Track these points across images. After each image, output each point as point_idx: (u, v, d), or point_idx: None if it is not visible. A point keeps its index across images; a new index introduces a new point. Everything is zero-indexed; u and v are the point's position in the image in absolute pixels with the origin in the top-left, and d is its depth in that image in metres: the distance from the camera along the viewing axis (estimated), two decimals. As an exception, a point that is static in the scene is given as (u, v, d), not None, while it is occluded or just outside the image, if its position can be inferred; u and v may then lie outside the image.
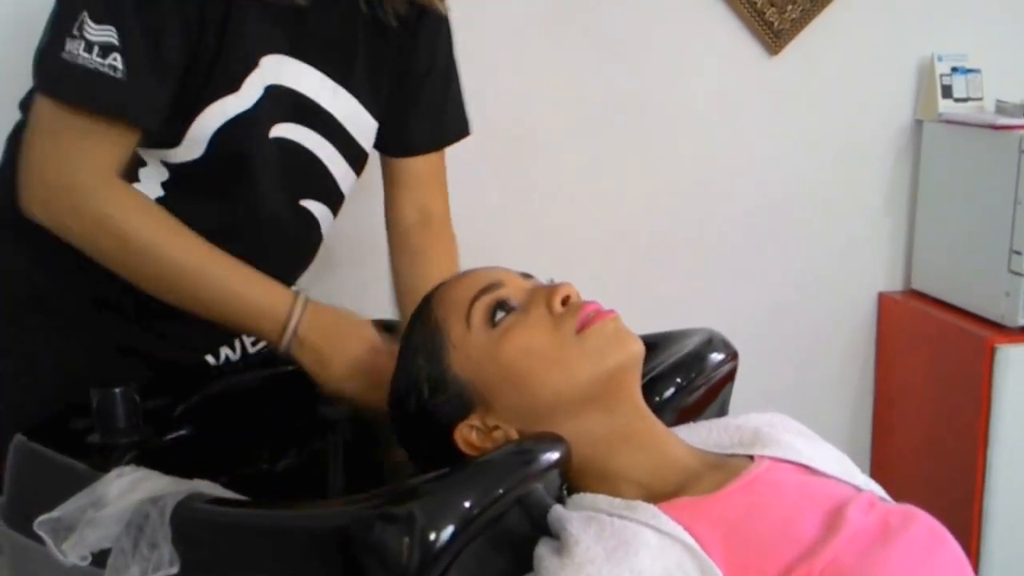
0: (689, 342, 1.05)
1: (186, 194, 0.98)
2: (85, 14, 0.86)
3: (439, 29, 1.11)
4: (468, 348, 0.87)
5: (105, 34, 0.85)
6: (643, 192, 1.76)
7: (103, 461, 0.86)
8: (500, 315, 0.87)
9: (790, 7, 1.73)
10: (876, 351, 1.91)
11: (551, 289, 0.88)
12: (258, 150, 0.99)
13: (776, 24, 1.74)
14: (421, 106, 1.12)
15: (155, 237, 0.93)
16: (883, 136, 1.83)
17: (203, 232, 0.95)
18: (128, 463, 0.85)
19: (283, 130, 1.00)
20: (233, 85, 0.95)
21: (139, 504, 0.79)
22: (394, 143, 1.13)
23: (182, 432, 0.98)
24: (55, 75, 0.87)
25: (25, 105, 1.06)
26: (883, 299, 1.89)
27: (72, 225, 0.91)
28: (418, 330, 0.92)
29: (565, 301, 0.87)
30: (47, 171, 0.90)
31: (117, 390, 0.93)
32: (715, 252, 1.82)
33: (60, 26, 0.87)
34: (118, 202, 0.92)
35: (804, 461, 0.90)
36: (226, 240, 0.97)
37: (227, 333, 1.09)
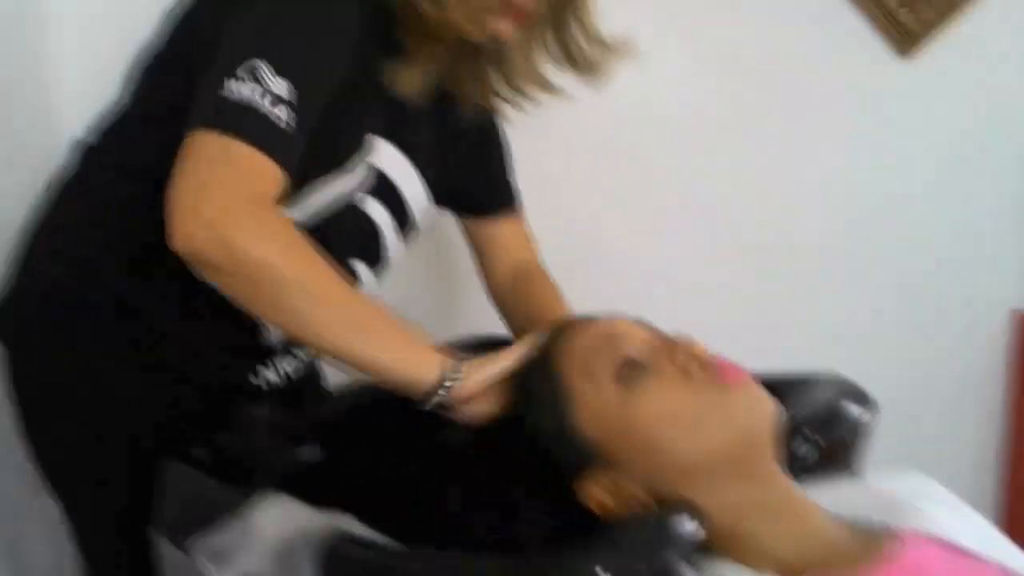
0: (823, 393, 0.99)
1: None
2: (263, 63, 0.89)
3: (498, 129, 1.24)
4: (596, 407, 0.85)
5: (280, 86, 0.89)
6: (765, 200, 1.68)
7: (249, 482, 0.90)
8: (628, 372, 0.85)
9: (923, 6, 1.61)
10: (1008, 375, 1.79)
11: (682, 347, 0.86)
12: (342, 221, 1.05)
13: (908, 24, 1.62)
14: (491, 175, 1.24)
15: (318, 274, 0.89)
16: (1020, 151, 1.70)
17: None
18: (271, 486, 0.89)
19: (363, 202, 1.07)
20: (344, 163, 1.01)
21: (288, 539, 0.82)
22: (477, 206, 1.25)
23: (315, 456, 0.99)
24: (225, 111, 0.88)
25: (86, 147, 1.09)
26: (1015, 316, 1.77)
27: (223, 255, 0.86)
28: (539, 382, 0.90)
29: (696, 359, 0.85)
30: (197, 202, 0.86)
31: (259, 409, 0.98)
32: (834, 263, 1.72)
33: (234, 69, 0.89)
34: (285, 228, 0.89)
35: (952, 538, 0.84)
36: None
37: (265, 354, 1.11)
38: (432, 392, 0.91)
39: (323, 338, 0.89)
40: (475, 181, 1.23)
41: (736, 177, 1.66)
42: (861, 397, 0.99)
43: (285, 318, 0.89)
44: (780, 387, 0.99)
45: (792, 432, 0.93)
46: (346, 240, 1.08)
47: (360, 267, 1.12)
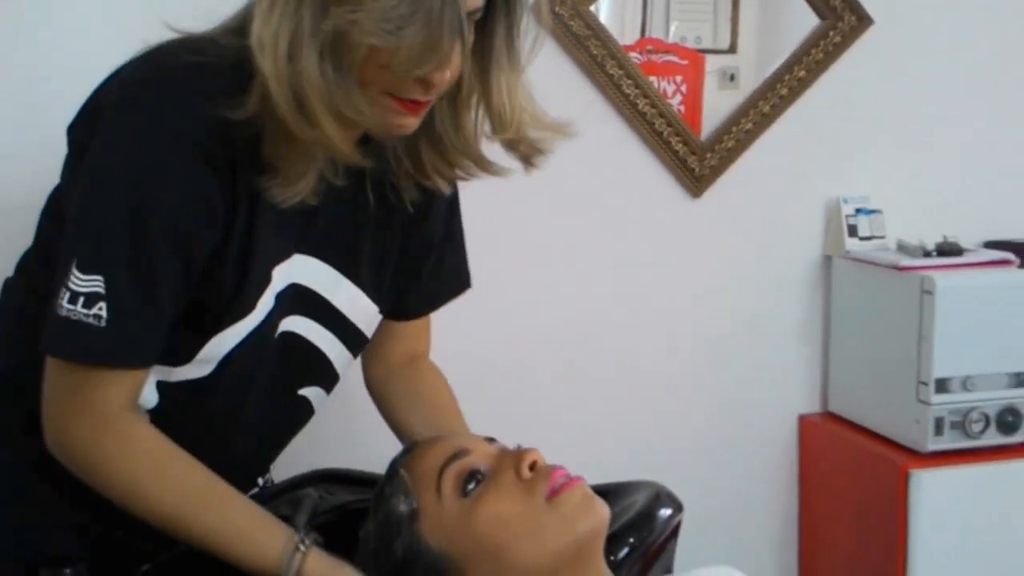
0: (638, 498, 1.11)
1: (179, 400, 0.98)
2: (73, 264, 0.87)
3: (449, 201, 1.12)
4: (440, 517, 0.91)
5: (92, 284, 0.87)
6: (573, 321, 1.85)
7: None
8: (470, 485, 0.91)
9: (709, 155, 1.87)
10: (799, 472, 2.01)
11: (518, 455, 0.92)
12: (265, 352, 1.00)
13: (697, 171, 1.87)
14: (424, 276, 1.12)
15: (145, 490, 0.93)
16: (797, 271, 1.97)
17: (194, 429, 0.96)
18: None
19: (288, 323, 1.01)
20: (249, 308, 0.96)
21: None
22: (393, 311, 1.13)
23: None
24: (55, 331, 0.89)
25: (20, 267, 1.06)
26: (803, 421, 2.00)
27: (74, 469, 0.93)
28: (389, 498, 0.95)
29: (533, 466, 0.91)
30: (54, 420, 0.93)
31: (67, 571, 0.95)
32: (646, 380, 1.91)
33: (58, 279, 0.89)
34: (112, 451, 0.92)
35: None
36: (218, 432, 0.99)
37: None
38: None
39: (175, 527, 0.94)
40: (415, 284, 1.12)
41: (562, 301, 1.84)
42: (671, 500, 1.11)
43: (139, 514, 0.94)
44: (604, 494, 1.11)
45: (614, 536, 1.04)
46: (289, 373, 1.04)
47: (311, 392, 1.08)
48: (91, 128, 0.91)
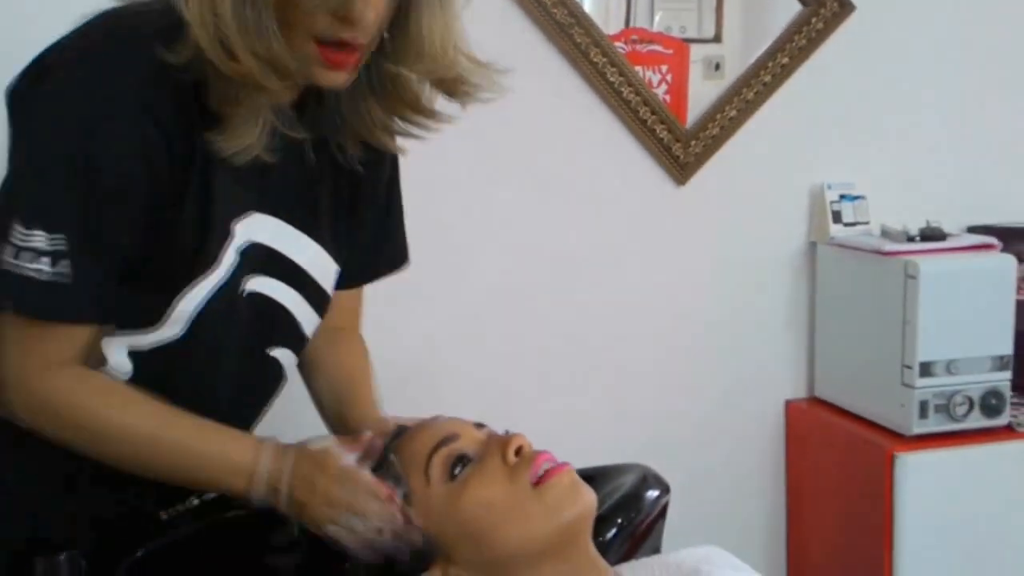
0: (626, 480, 1.12)
1: (153, 366, 0.99)
2: (16, 220, 0.88)
3: (390, 172, 1.13)
4: (428, 501, 0.91)
5: (36, 240, 0.88)
6: (562, 309, 1.86)
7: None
8: (458, 468, 0.91)
9: (694, 143, 1.88)
10: (786, 457, 2.02)
11: (505, 440, 0.92)
12: (233, 312, 1.00)
13: (682, 158, 1.88)
14: (362, 246, 1.12)
15: (105, 417, 0.95)
16: (782, 257, 1.98)
17: (169, 397, 0.97)
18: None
19: (254, 283, 1.01)
20: (210, 262, 0.96)
21: None
22: (349, 276, 1.12)
23: None
24: None
25: None
26: (790, 406, 2.02)
27: (37, 424, 0.95)
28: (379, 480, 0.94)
29: (519, 452, 0.92)
30: (12, 380, 0.94)
31: (62, 556, 0.95)
32: (633, 368, 1.92)
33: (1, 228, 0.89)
34: (66, 389, 0.94)
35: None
36: (190, 395, 0.99)
37: (182, 489, 1.09)
38: (252, 476, 0.95)
39: (139, 458, 0.97)
40: (361, 246, 1.12)
41: (545, 292, 1.84)
42: (658, 482, 1.12)
43: (106, 457, 0.96)
44: (592, 476, 1.12)
45: (602, 517, 1.05)
46: (257, 333, 1.04)
47: (281, 354, 1.08)
48: (35, 88, 0.91)
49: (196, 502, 1.09)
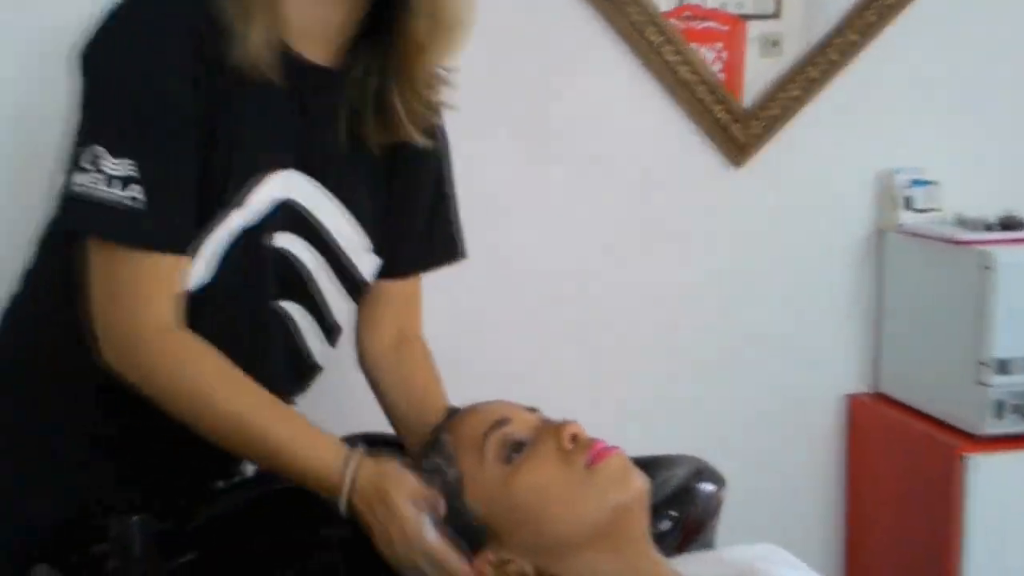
0: (678, 472, 1.07)
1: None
2: (102, 149, 0.90)
3: (438, 153, 1.13)
4: (482, 482, 0.91)
5: (124, 167, 0.90)
6: (613, 296, 1.79)
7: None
8: (512, 452, 0.91)
9: (753, 122, 1.79)
10: (847, 453, 1.93)
11: (560, 426, 0.92)
12: (258, 262, 1.01)
13: (740, 139, 1.79)
14: (415, 235, 1.13)
15: (214, 399, 0.96)
16: (845, 244, 1.89)
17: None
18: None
19: (281, 239, 1.03)
20: (240, 200, 0.98)
21: None
22: (384, 266, 1.13)
23: (189, 557, 0.99)
24: (83, 213, 0.92)
25: (43, 243, 1.07)
26: (852, 401, 1.92)
27: (134, 378, 0.95)
28: (433, 462, 0.95)
29: (574, 439, 0.91)
30: (110, 326, 0.95)
31: (135, 519, 0.96)
32: (686, 358, 1.84)
33: (80, 162, 0.91)
34: (172, 354, 0.95)
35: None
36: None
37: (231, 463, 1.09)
38: (338, 493, 0.93)
39: (232, 438, 0.97)
40: (411, 234, 1.13)
41: (599, 278, 1.78)
42: (714, 476, 1.07)
43: (197, 426, 0.96)
44: (644, 465, 1.06)
45: (654, 509, 1.00)
46: (267, 282, 1.04)
47: (292, 308, 1.07)
48: (98, 40, 0.95)
49: (252, 472, 1.11)
